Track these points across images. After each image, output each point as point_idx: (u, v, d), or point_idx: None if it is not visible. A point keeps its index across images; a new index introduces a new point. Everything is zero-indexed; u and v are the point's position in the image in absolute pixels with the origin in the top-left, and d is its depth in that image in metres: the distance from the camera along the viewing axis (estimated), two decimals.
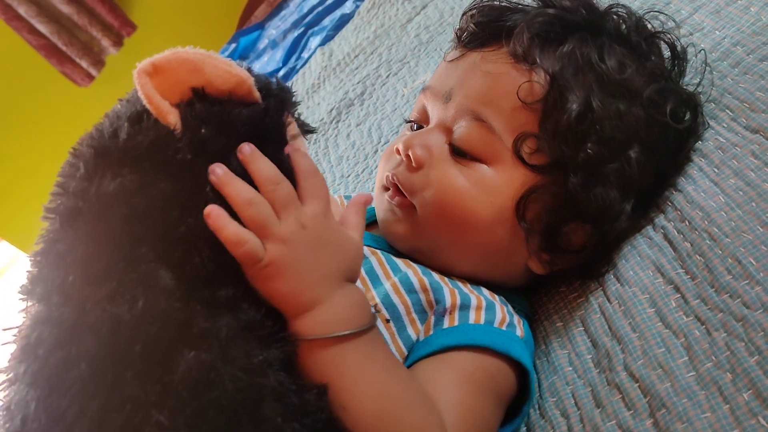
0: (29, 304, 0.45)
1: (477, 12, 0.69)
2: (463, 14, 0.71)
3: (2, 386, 0.42)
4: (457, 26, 0.71)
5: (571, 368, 0.60)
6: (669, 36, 0.69)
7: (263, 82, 0.49)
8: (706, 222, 0.59)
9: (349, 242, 0.51)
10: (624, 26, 0.67)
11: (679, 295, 0.57)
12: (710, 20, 0.77)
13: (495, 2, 0.70)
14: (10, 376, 0.42)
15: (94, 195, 0.44)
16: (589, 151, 0.59)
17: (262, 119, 0.48)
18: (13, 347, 0.44)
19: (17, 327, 0.44)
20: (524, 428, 0.60)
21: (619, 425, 0.52)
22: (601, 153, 0.60)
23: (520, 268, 0.65)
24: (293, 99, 0.51)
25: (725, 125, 0.66)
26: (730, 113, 0.66)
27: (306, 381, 0.45)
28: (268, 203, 0.46)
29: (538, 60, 0.62)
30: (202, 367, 0.39)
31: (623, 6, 0.69)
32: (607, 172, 0.60)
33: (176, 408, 0.38)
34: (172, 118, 0.45)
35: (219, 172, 0.45)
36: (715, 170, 0.63)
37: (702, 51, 0.70)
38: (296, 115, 0.52)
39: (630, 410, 0.52)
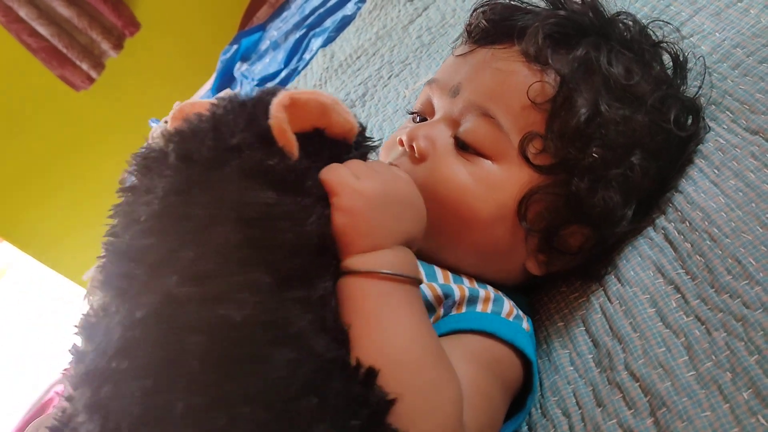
0: (113, 300, 0.44)
1: (489, 9, 0.70)
2: (473, 10, 0.72)
3: (94, 383, 0.42)
4: (461, 26, 0.72)
5: (572, 367, 0.60)
6: (672, 46, 0.69)
7: (361, 130, 0.56)
8: (706, 223, 0.60)
9: (422, 215, 0.55)
10: (629, 33, 0.67)
11: (679, 295, 0.57)
12: (710, 22, 0.77)
13: (506, 1, 0.70)
14: (100, 372, 0.42)
15: (208, 200, 0.45)
16: (594, 154, 0.60)
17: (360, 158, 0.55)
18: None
19: (91, 322, 0.45)
20: (525, 427, 0.60)
21: (619, 424, 0.52)
22: (606, 157, 0.60)
23: (518, 267, 0.66)
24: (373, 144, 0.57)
25: (725, 127, 0.66)
26: (731, 115, 0.67)
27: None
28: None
29: (549, 61, 0.62)
30: (294, 364, 0.42)
31: (628, 13, 0.69)
32: (611, 177, 0.60)
33: (274, 403, 0.41)
34: (295, 150, 0.49)
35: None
36: (715, 171, 0.63)
37: (701, 57, 0.70)
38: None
39: (631, 409, 0.52)
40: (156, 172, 0.48)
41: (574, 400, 0.57)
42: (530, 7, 0.69)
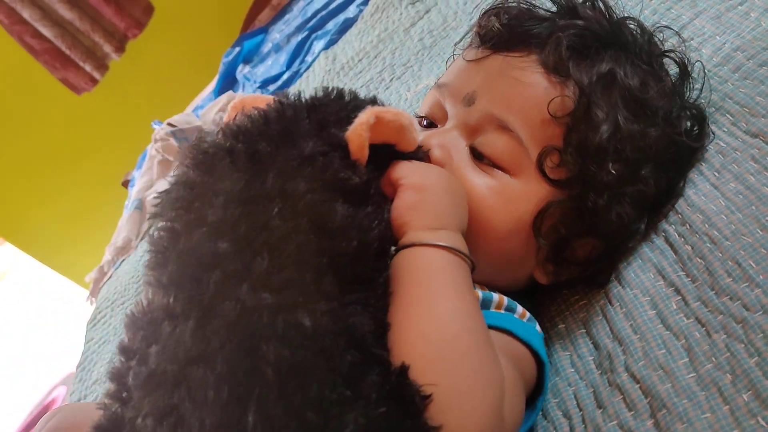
0: (181, 305, 0.43)
1: (502, 13, 0.68)
2: (483, 13, 0.70)
3: (163, 388, 0.41)
4: (463, 29, 0.71)
5: (573, 370, 0.60)
6: (679, 54, 0.68)
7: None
8: (706, 225, 0.60)
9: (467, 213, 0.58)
10: (639, 42, 0.66)
11: (679, 298, 0.57)
12: (711, 26, 0.77)
13: (516, 4, 0.69)
14: (172, 377, 0.41)
15: (285, 210, 0.46)
16: (612, 171, 0.59)
17: None
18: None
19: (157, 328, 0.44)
20: None
21: (620, 426, 0.52)
22: (623, 173, 0.60)
23: (526, 276, 0.66)
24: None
25: (725, 130, 0.66)
26: (731, 118, 0.67)
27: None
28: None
29: (571, 73, 0.61)
30: (359, 365, 0.43)
31: (634, 19, 0.68)
32: (627, 192, 0.60)
33: (345, 405, 0.41)
34: (365, 162, 0.52)
35: None
36: (716, 174, 0.64)
37: (698, 62, 0.70)
38: None
39: (631, 411, 0.53)
40: (221, 171, 0.48)
41: (575, 402, 0.57)
42: (543, 11, 0.68)
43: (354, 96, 0.57)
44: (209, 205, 0.46)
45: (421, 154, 0.58)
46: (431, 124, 0.69)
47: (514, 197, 0.61)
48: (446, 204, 0.55)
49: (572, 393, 0.58)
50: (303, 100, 0.54)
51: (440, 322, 0.47)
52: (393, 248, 0.52)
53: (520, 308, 0.61)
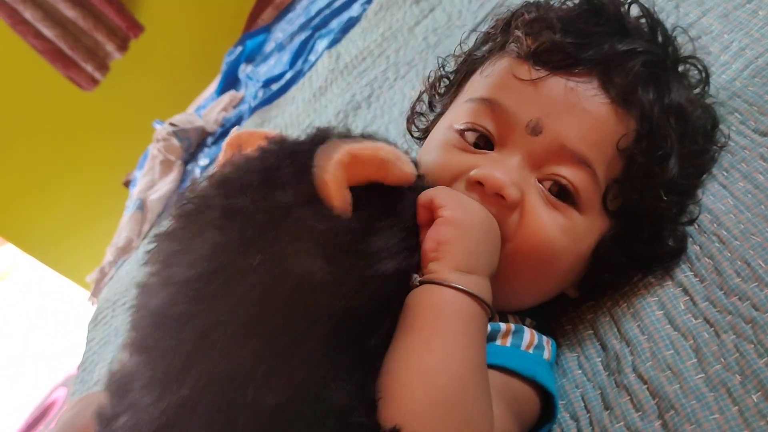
0: (149, 368, 0.42)
1: (556, 25, 0.61)
2: (530, 22, 0.63)
3: None
4: (467, 27, 0.68)
5: (580, 371, 0.60)
6: (700, 61, 0.67)
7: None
8: (714, 225, 0.60)
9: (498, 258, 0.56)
10: (670, 51, 0.64)
11: (688, 298, 0.57)
12: (719, 24, 0.77)
13: (555, 15, 0.63)
14: None
15: (258, 269, 0.43)
16: (667, 200, 0.59)
17: (414, 202, 0.53)
18: None
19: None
20: None
21: (627, 427, 0.52)
22: (679, 202, 0.60)
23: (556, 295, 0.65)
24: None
25: (734, 128, 0.66)
26: (739, 116, 0.66)
27: None
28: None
29: (637, 104, 0.59)
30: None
31: (660, 23, 0.65)
32: (677, 218, 0.61)
33: None
34: (349, 208, 0.47)
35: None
36: (724, 173, 0.63)
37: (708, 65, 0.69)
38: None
39: (639, 412, 0.52)
40: (197, 227, 0.45)
41: (582, 404, 0.57)
42: (594, 28, 0.62)
43: (343, 135, 0.52)
44: (179, 263, 0.44)
45: (422, 187, 0.54)
46: (482, 145, 0.61)
47: (581, 236, 0.59)
48: (482, 246, 0.53)
49: (579, 395, 0.58)
50: (288, 143, 0.51)
51: (443, 370, 0.47)
52: (416, 277, 0.51)
53: (527, 337, 0.59)
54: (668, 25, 0.67)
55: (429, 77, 0.76)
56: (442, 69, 0.76)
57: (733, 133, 0.66)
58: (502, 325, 0.58)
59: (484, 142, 0.61)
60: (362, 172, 0.48)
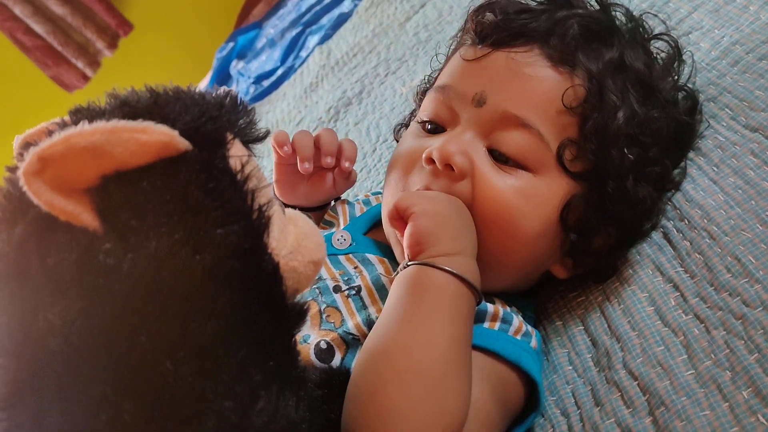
0: None
1: (497, 10, 0.65)
2: (476, 9, 0.67)
3: None
4: (458, 23, 0.70)
5: (570, 367, 0.60)
6: (669, 36, 0.68)
7: (194, 122, 0.40)
8: (705, 220, 0.59)
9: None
10: (631, 27, 0.66)
11: (678, 294, 0.57)
12: (709, 19, 0.77)
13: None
14: None
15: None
16: (630, 155, 0.59)
17: (200, 172, 0.39)
18: None
19: None
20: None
21: (618, 423, 0.52)
22: (640, 157, 0.60)
23: (541, 274, 0.65)
24: (232, 116, 0.43)
25: (724, 124, 0.66)
26: (730, 112, 0.66)
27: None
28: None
29: (579, 62, 0.60)
30: None
31: (620, 5, 0.68)
32: (647, 175, 0.61)
33: None
34: (87, 217, 0.36)
35: None
36: (715, 169, 0.63)
37: (688, 50, 0.70)
38: (245, 121, 0.44)
39: (629, 408, 0.52)
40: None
41: (573, 400, 0.57)
42: (535, 4, 0.66)
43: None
44: None
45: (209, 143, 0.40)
46: (437, 128, 0.65)
47: (541, 198, 0.59)
48: (461, 229, 0.56)
49: (570, 391, 0.58)
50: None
51: (422, 344, 0.49)
52: (405, 262, 0.53)
53: (516, 321, 0.59)
54: (659, 20, 0.68)
55: (417, 92, 0.79)
56: (427, 83, 0.77)
57: (724, 129, 0.65)
58: (490, 306, 0.59)
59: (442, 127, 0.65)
60: (78, 170, 0.36)
